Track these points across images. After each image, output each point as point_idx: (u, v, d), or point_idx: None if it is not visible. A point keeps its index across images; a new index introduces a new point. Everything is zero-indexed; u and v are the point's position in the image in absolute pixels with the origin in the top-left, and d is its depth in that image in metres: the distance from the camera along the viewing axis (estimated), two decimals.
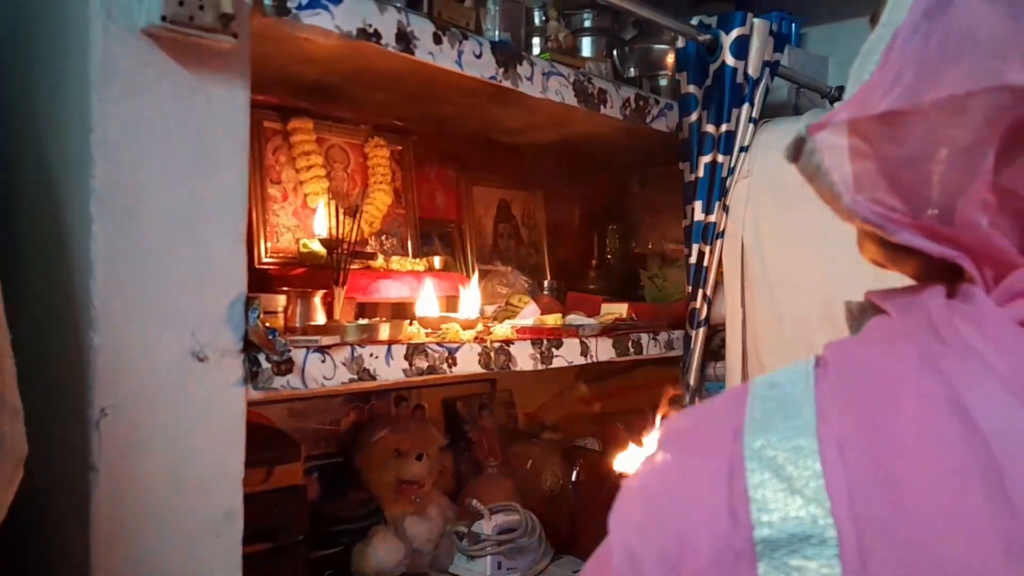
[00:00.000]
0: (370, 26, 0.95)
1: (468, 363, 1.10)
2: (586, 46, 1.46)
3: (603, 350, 1.31)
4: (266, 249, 1.26)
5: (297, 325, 1.08)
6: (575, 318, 1.34)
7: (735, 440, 0.35)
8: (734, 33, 1.32)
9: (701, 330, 1.40)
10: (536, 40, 1.36)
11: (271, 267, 1.24)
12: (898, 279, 0.44)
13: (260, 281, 1.05)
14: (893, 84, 0.37)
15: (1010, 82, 0.34)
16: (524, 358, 1.18)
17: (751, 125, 1.35)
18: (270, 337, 0.87)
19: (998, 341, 0.34)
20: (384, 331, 1.03)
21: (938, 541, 0.30)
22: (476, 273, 1.52)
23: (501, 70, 1.11)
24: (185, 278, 0.81)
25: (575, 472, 1.55)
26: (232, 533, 0.85)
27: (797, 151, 0.41)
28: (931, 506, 0.31)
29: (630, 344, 1.37)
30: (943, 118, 0.36)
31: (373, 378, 0.98)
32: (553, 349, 1.23)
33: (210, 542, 0.83)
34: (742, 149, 1.35)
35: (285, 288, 1.11)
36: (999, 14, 0.35)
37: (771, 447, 0.34)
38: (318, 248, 1.21)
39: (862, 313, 0.43)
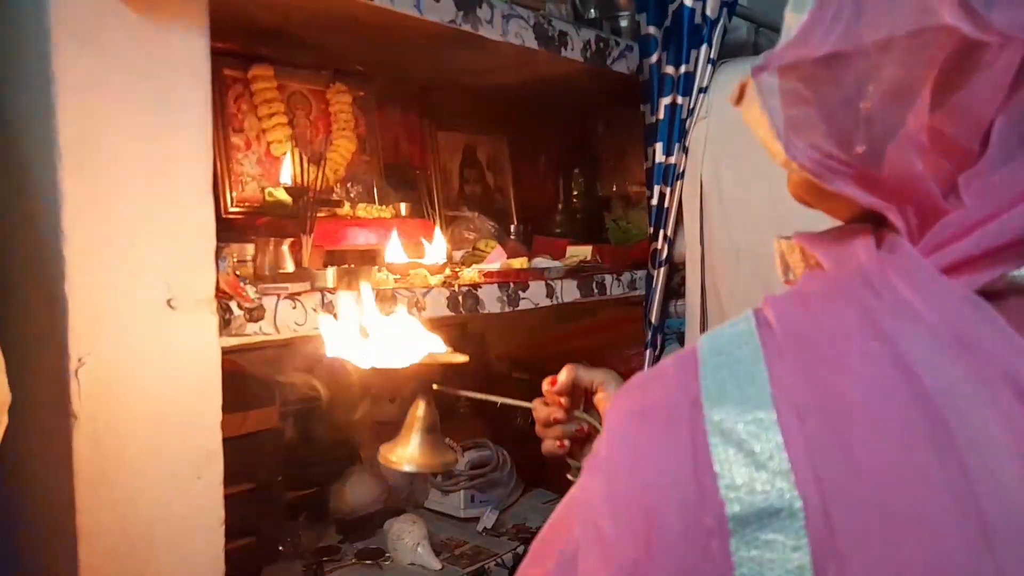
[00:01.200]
0: None
1: (437, 307, 1.13)
2: None
3: (568, 292, 1.35)
4: (232, 198, 1.26)
5: (267, 273, 1.09)
6: (541, 261, 1.37)
7: (695, 412, 0.36)
8: None
9: (662, 269, 1.44)
10: None
11: (237, 216, 1.24)
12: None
13: (227, 230, 1.06)
14: (832, 25, 0.37)
15: (943, 22, 0.34)
16: (492, 301, 1.21)
17: (710, 66, 1.37)
18: (241, 285, 0.89)
19: (926, 293, 0.35)
20: (353, 277, 1.05)
21: (893, 497, 0.31)
22: (441, 219, 1.54)
23: (460, 13, 1.12)
24: (155, 228, 0.82)
25: None
26: (213, 474, 0.88)
27: (740, 95, 0.41)
28: (884, 464, 0.31)
29: (594, 285, 1.41)
30: (881, 57, 0.36)
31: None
32: (520, 292, 1.26)
33: (192, 483, 0.86)
34: (701, 90, 1.37)
35: (253, 237, 1.12)
36: None
37: (731, 420, 0.34)
38: (284, 197, 1.21)
39: (791, 252, 0.44)
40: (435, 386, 0.85)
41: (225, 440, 0.90)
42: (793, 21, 0.40)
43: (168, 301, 0.83)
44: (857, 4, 0.37)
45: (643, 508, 0.35)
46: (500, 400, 0.88)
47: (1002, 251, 0.35)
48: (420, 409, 0.89)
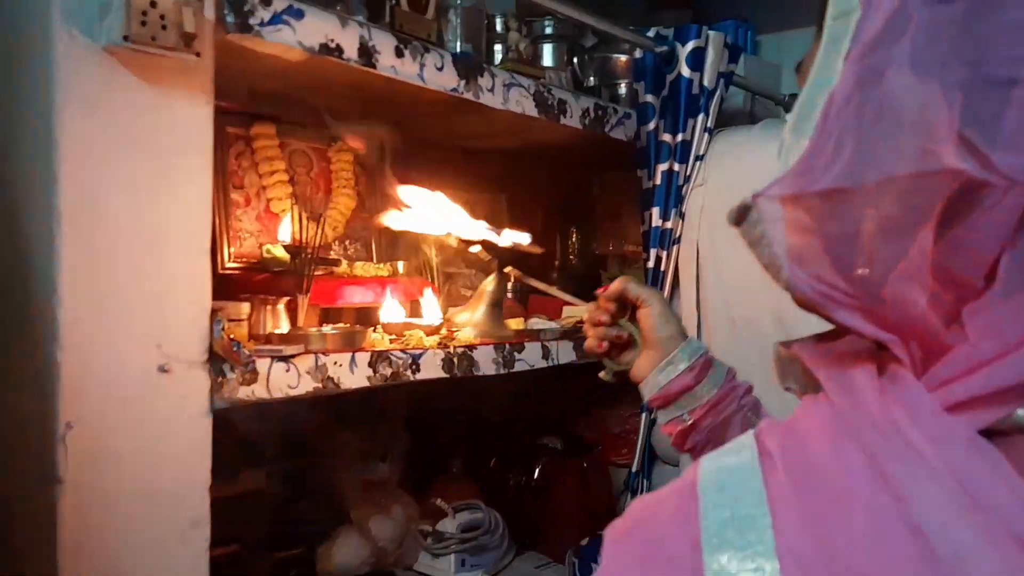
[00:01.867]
0: (332, 41, 0.96)
1: (431, 369, 1.12)
2: (547, 53, 1.49)
3: (564, 353, 1.35)
4: (229, 254, 1.27)
5: (261, 332, 1.09)
6: (537, 322, 1.37)
7: (694, 555, 0.35)
8: (690, 45, 1.36)
9: None
10: (498, 47, 1.38)
11: (234, 272, 1.25)
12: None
13: (223, 286, 1.06)
14: (834, 157, 0.37)
15: (946, 165, 0.34)
16: (487, 363, 1.21)
17: (706, 134, 1.39)
18: (234, 349, 0.89)
19: (932, 435, 0.34)
20: (348, 339, 1.05)
21: None
22: (439, 278, 1.55)
23: (463, 82, 1.14)
24: (150, 292, 0.82)
25: (537, 470, 1.59)
26: (199, 540, 0.87)
27: (741, 217, 0.40)
28: None
29: None
30: (883, 196, 0.36)
31: (337, 386, 1.00)
32: (515, 353, 1.26)
33: (177, 549, 0.85)
34: (698, 158, 1.39)
35: (248, 295, 1.12)
36: (931, 91, 0.34)
37: (733, 569, 0.34)
38: (282, 254, 1.22)
39: (791, 363, 0.44)
40: (508, 270, 1.01)
41: (212, 501, 0.89)
42: (792, 142, 0.40)
43: (161, 365, 0.83)
44: (857, 139, 0.36)
45: None
46: (560, 294, 1.03)
47: (1010, 391, 0.34)
48: (490, 284, 1.07)
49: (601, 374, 0.94)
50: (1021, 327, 0.34)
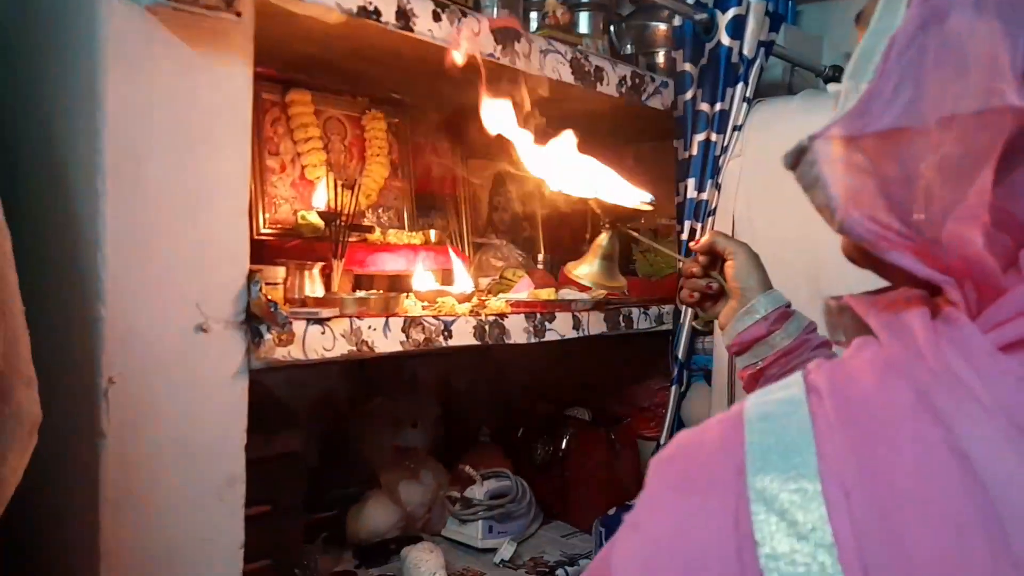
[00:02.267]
0: (371, 3, 0.96)
1: (463, 336, 1.13)
2: (583, 21, 1.47)
3: (595, 324, 1.34)
4: (264, 220, 1.27)
5: (296, 297, 1.10)
6: (568, 292, 1.36)
7: (738, 479, 0.35)
8: (730, 13, 1.33)
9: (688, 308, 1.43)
10: (534, 15, 1.37)
11: (269, 238, 1.26)
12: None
13: (258, 252, 1.07)
14: (893, 98, 0.37)
15: (1012, 103, 0.34)
16: (518, 332, 1.21)
17: (745, 104, 1.36)
18: (271, 309, 0.89)
19: (983, 372, 0.34)
20: (381, 304, 1.06)
21: None
22: (470, 247, 1.55)
23: (499, 47, 1.13)
24: (189, 252, 0.83)
25: (565, 441, 1.59)
26: (235, 498, 0.88)
27: (796, 159, 0.41)
28: (934, 556, 0.31)
29: (621, 319, 1.40)
30: (944, 136, 0.36)
31: (371, 350, 1.01)
32: (546, 323, 1.26)
33: (214, 506, 0.87)
34: (735, 128, 1.37)
35: (284, 260, 1.13)
36: (994, 30, 0.35)
37: (775, 489, 0.34)
38: (316, 220, 1.23)
39: (841, 314, 0.44)
40: (619, 225, 1.07)
41: (247, 462, 0.90)
42: (850, 88, 0.40)
43: (199, 324, 0.84)
44: (918, 79, 0.37)
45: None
46: (664, 250, 1.16)
47: None
48: (604, 239, 1.10)
49: (694, 322, 1.07)
50: None
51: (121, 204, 0.78)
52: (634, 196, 1.04)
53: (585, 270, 1.00)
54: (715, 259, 0.96)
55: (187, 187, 0.83)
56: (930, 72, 0.36)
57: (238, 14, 0.80)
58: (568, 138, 1.03)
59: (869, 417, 0.35)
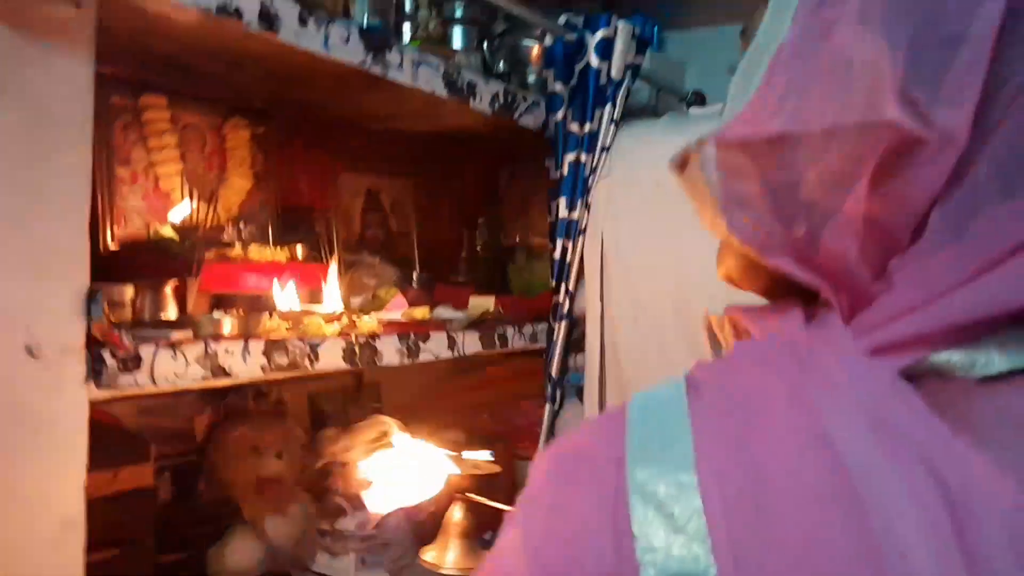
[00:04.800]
0: (231, 3, 0.90)
1: (331, 358, 1.07)
2: (457, 35, 1.46)
3: (470, 343, 1.32)
4: (113, 234, 1.17)
5: (146, 318, 1.01)
6: (443, 311, 1.34)
7: (617, 470, 0.36)
8: (599, 34, 1.36)
9: (563, 323, 1.44)
10: (407, 26, 1.34)
11: (118, 254, 1.15)
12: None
13: (106, 269, 0.97)
14: (780, 106, 0.38)
15: (887, 118, 0.35)
16: (391, 352, 1.17)
17: (613, 126, 1.39)
18: (115, 332, 0.81)
19: (851, 370, 0.36)
20: (240, 325, 0.99)
21: (804, 567, 0.31)
22: (340, 264, 1.49)
23: (370, 56, 1.09)
24: (19, 267, 0.74)
25: None
26: (72, 543, 0.79)
27: (683, 164, 0.41)
28: (797, 534, 0.32)
29: (496, 337, 1.38)
30: (826, 143, 0.37)
31: (228, 375, 0.94)
32: (420, 343, 1.22)
33: (46, 555, 0.77)
34: (604, 149, 1.40)
35: (133, 278, 1.04)
36: (877, 45, 0.36)
37: (653, 481, 0.35)
38: (171, 234, 1.14)
39: (720, 327, 0.45)
40: (468, 495, 1.01)
41: (90, 501, 0.81)
42: (736, 95, 0.40)
43: (28, 348, 0.74)
44: (803, 89, 0.37)
45: (561, 570, 0.35)
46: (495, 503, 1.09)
47: (927, 337, 0.36)
48: (456, 515, 1.04)
49: None
50: (944, 279, 0.36)
51: None
52: (477, 458, 1.02)
53: (444, 556, 0.96)
54: None
55: (17, 194, 0.74)
56: (814, 82, 0.37)
57: (77, 4, 0.73)
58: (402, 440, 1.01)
59: (743, 409, 0.36)
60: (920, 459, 0.33)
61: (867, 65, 0.36)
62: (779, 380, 0.36)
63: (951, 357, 0.36)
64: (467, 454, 0.91)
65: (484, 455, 0.92)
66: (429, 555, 0.89)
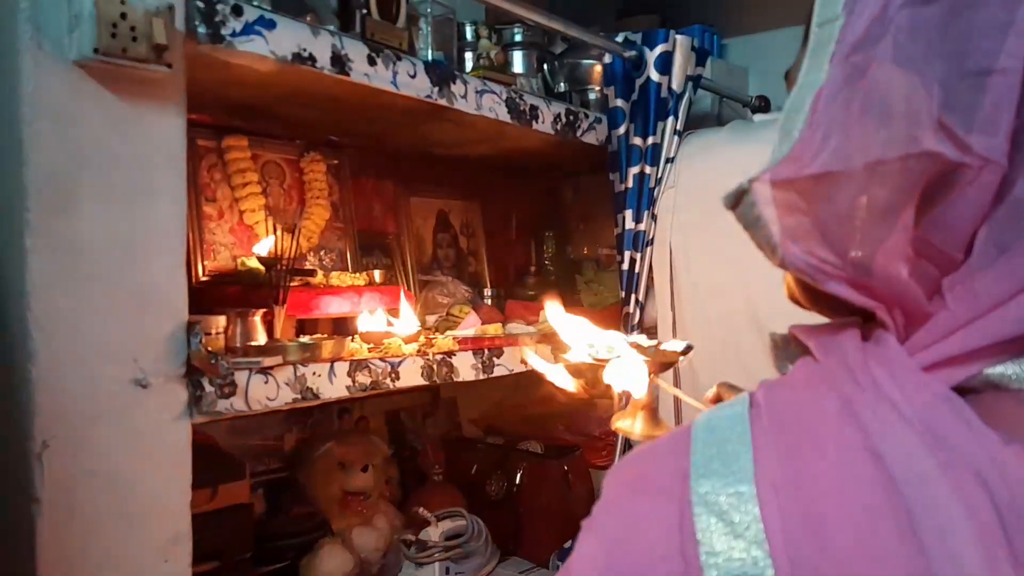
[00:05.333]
0: (305, 50, 0.96)
1: (411, 376, 1.12)
2: (517, 60, 1.50)
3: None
4: (203, 268, 1.26)
5: (238, 345, 1.08)
6: (515, 326, 1.37)
7: (683, 484, 0.38)
8: (658, 49, 1.38)
9: (634, 334, 1.45)
10: (468, 55, 1.39)
11: (208, 286, 1.24)
12: None
13: (197, 300, 1.05)
14: (823, 145, 0.40)
15: (927, 148, 0.37)
16: (466, 368, 1.21)
17: (676, 137, 1.41)
18: (212, 361, 0.88)
19: (904, 386, 0.37)
20: (326, 349, 1.05)
21: (856, 571, 0.34)
22: (415, 285, 1.55)
23: (436, 89, 1.14)
24: (125, 306, 0.81)
25: (519, 475, 1.59)
26: (181, 557, 0.86)
27: (737, 201, 0.43)
28: (849, 543, 0.34)
29: None
30: (870, 179, 0.39)
31: (316, 396, 0.99)
32: (494, 358, 1.26)
33: (159, 567, 0.84)
34: (668, 160, 1.41)
35: (225, 308, 1.11)
36: (911, 82, 0.38)
37: (715, 492, 0.37)
38: (256, 266, 1.21)
39: (785, 344, 0.47)
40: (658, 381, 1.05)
41: (193, 517, 0.88)
42: (783, 138, 0.42)
43: (138, 380, 0.82)
44: (844, 128, 0.39)
45: (632, 574, 0.38)
46: (688, 399, 1.03)
47: (981, 352, 0.38)
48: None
49: None
50: (993, 294, 0.38)
51: (50, 258, 0.76)
52: (673, 346, 1.04)
53: (628, 424, 1.00)
54: None
55: (121, 239, 0.81)
56: (855, 121, 0.39)
57: (169, 65, 0.80)
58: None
59: (798, 424, 0.39)
60: (970, 469, 0.34)
61: (903, 101, 0.38)
62: (832, 396, 0.39)
63: (1006, 370, 0.38)
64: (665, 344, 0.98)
65: (678, 345, 0.98)
66: (622, 423, 0.97)
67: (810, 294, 0.47)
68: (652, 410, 1.05)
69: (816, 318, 0.48)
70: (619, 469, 0.44)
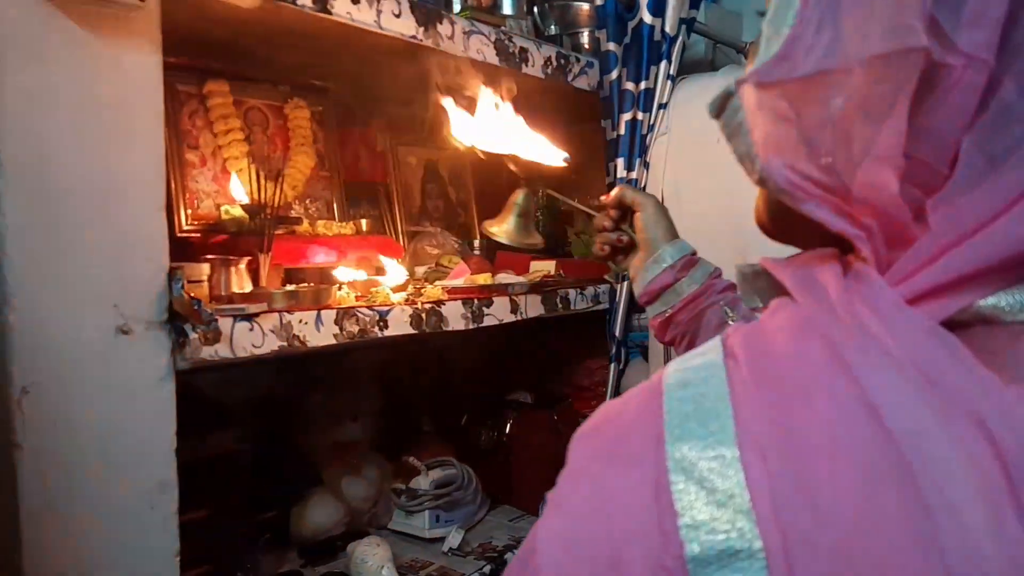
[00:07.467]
0: None
1: (399, 325, 1.11)
2: (507, 3, 1.46)
3: (532, 307, 1.34)
4: (186, 216, 1.23)
5: (223, 293, 1.07)
6: (505, 277, 1.36)
7: (657, 449, 0.35)
8: None
9: (625, 283, 1.45)
10: None
11: (192, 235, 1.21)
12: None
13: (182, 249, 1.03)
14: (815, 42, 0.37)
15: (920, 44, 0.34)
16: (456, 318, 1.20)
17: (669, 82, 1.38)
18: (195, 307, 0.86)
19: (893, 326, 0.34)
20: (312, 296, 1.03)
21: (856, 544, 0.30)
22: (404, 235, 1.53)
23: (421, 29, 1.11)
24: (104, 251, 0.80)
25: (508, 425, 1.59)
26: (167, 504, 0.85)
27: (721, 107, 0.40)
28: (846, 507, 0.31)
29: (558, 300, 1.40)
30: (863, 75, 0.36)
31: (303, 344, 0.98)
32: (484, 308, 1.25)
33: (144, 514, 0.83)
34: (661, 106, 1.38)
35: (208, 256, 1.09)
36: None
37: (693, 457, 0.34)
38: (240, 214, 1.19)
39: (755, 277, 0.44)
40: (545, 190, 1.15)
41: (180, 465, 0.87)
42: (771, 34, 0.39)
43: (119, 326, 0.80)
44: (836, 22, 0.37)
45: (608, 552, 0.34)
46: (582, 208, 1.09)
47: (968, 279, 0.34)
48: (520, 197, 1.10)
49: (607, 276, 1.08)
50: (979, 212, 0.34)
51: (25, 202, 0.74)
52: (552, 155, 1.05)
53: (501, 228, 1.01)
54: (626, 212, 0.96)
55: (98, 183, 0.79)
56: (847, 14, 0.36)
57: (141, 0, 0.77)
58: (488, 96, 1.02)
59: (784, 377, 0.35)
60: (970, 416, 0.31)
61: None
62: (817, 343, 0.35)
63: (999, 301, 0.35)
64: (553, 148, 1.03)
65: (562, 154, 1.03)
66: (492, 228, 1.00)
67: (782, 221, 0.43)
68: (527, 215, 1.11)
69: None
70: (585, 434, 0.39)
